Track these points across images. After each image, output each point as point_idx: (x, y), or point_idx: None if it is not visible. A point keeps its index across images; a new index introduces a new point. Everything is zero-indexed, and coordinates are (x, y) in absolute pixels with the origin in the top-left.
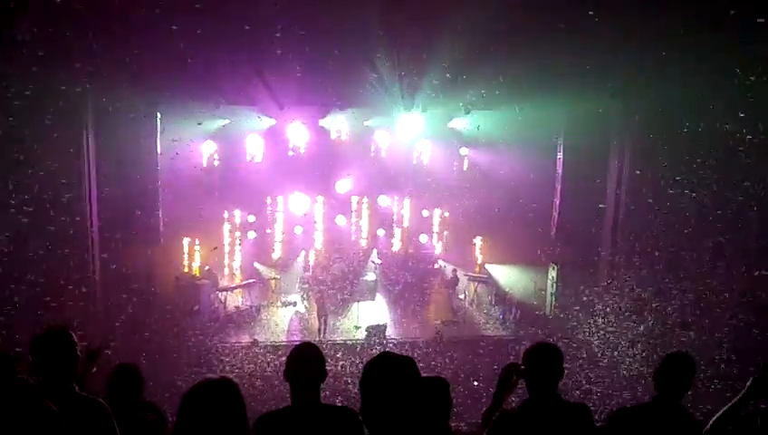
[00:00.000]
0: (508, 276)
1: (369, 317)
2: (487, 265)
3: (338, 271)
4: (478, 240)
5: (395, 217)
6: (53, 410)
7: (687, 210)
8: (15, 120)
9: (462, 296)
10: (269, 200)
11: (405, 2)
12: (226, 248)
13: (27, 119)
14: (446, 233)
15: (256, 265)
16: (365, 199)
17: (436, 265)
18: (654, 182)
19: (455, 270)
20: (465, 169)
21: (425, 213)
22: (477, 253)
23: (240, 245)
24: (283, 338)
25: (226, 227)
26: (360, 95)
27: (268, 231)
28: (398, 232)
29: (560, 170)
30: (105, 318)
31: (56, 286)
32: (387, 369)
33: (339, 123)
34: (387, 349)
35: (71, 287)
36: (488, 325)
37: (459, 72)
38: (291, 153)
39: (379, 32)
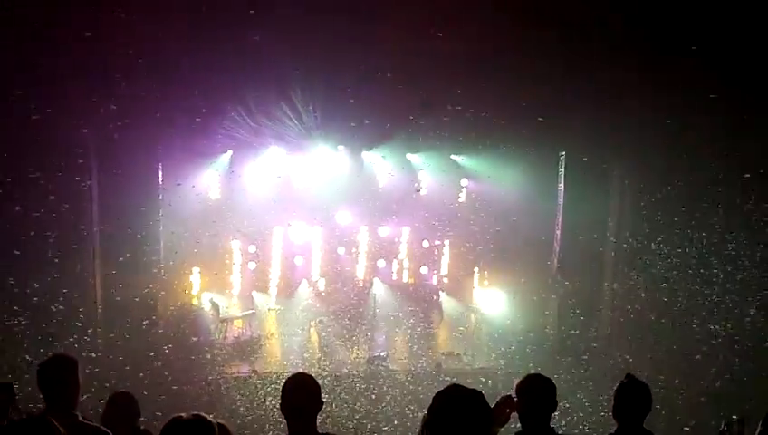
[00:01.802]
0: (506, 308)
1: (369, 348)
2: (483, 296)
3: (338, 301)
4: (477, 271)
5: (396, 248)
6: (60, 431)
7: (690, 247)
8: (19, 155)
9: (462, 329)
10: (270, 231)
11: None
12: (231, 278)
13: (30, 153)
14: (446, 264)
15: (255, 294)
16: (365, 230)
17: (435, 297)
18: (654, 214)
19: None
20: (464, 199)
21: (425, 244)
22: (476, 284)
23: (240, 275)
24: (282, 368)
25: (229, 257)
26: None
27: (269, 261)
28: (398, 263)
29: (560, 201)
30: (106, 348)
31: (57, 317)
32: (460, 403)
33: (337, 156)
34: (388, 380)
35: (71, 318)
36: (488, 358)
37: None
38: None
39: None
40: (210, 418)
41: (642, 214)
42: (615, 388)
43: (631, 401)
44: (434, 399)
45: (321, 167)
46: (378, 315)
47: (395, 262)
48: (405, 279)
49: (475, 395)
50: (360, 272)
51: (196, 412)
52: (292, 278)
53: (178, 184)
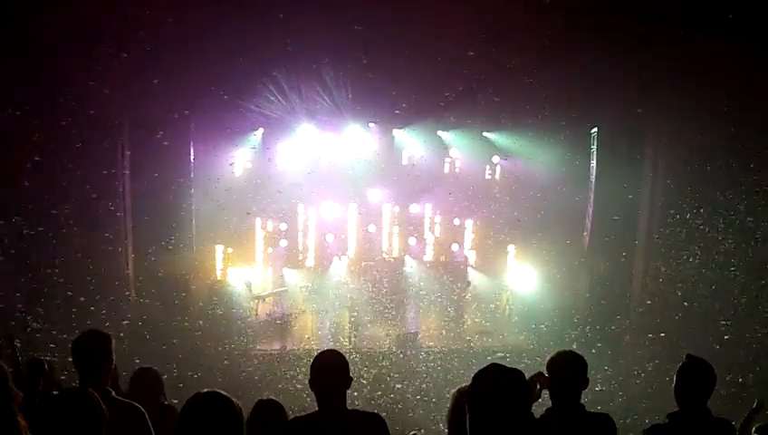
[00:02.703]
0: (539, 286)
1: (400, 325)
2: (515, 274)
3: (369, 279)
4: (511, 249)
5: (426, 226)
6: (101, 406)
7: (724, 225)
8: (53, 133)
9: (493, 306)
10: (301, 209)
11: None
12: (263, 255)
13: (64, 130)
14: (476, 242)
15: (286, 271)
16: (396, 208)
17: (467, 275)
18: (690, 195)
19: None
20: (497, 177)
21: (456, 222)
22: (508, 262)
23: (272, 252)
24: (313, 345)
25: (259, 235)
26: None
27: (300, 239)
28: (429, 240)
29: (593, 178)
30: (139, 324)
31: (91, 292)
32: (501, 382)
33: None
34: (419, 358)
35: (106, 293)
36: (520, 335)
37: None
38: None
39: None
40: (227, 394)
41: (675, 192)
42: (676, 369)
43: (693, 382)
44: (474, 378)
45: (352, 145)
46: (408, 293)
47: (426, 239)
48: (435, 256)
49: (516, 374)
50: (391, 249)
51: (214, 389)
52: (324, 256)
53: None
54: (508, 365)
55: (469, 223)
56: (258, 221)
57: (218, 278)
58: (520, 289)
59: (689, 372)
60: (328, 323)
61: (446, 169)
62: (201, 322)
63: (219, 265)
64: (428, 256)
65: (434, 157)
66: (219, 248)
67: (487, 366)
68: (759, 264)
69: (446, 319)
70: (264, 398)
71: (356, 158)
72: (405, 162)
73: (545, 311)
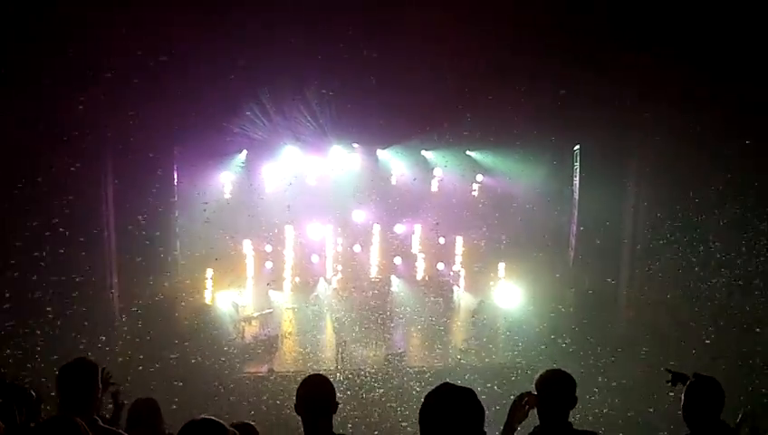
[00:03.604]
0: (526, 303)
1: (387, 346)
2: (502, 292)
3: (356, 299)
4: (500, 266)
5: (412, 245)
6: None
7: (706, 242)
8: (37, 157)
9: (480, 324)
10: (287, 230)
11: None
12: (248, 277)
13: (48, 155)
14: (462, 260)
15: (272, 293)
16: (380, 227)
17: (452, 293)
18: (673, 209)
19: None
20: (479, 195)
21: (441, 240)
22: (495, 280)
23: (257, 274)
24: (300, 367)
25: (248, 256)
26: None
27: (285, 260)
28: (418, 259)
29: (576, 195)
30: (123, 349)
31: (74, 317)
32: (450, 401)
33: (350, 155)
34: (406, 377)
35: (89, 319)
36: (508, 353)
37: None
38: (305, 181)
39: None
40: (221, 421)
41: (658, 205)
42: (684, 389)
43: (703, 401)
44: (426, 397)
45: (336, 166)
46: (395, 312)
47: (411, 259)
48: (421, 275)
49: (467, 393)
50: (377, 269)
51: (207, 415)
52: (309, 277)
53: (194, 185)
54: (495, 382)
55: (456, 241)
56: (247, 243)
57: (207, 302)
58: (506, 306)
59: (698, 392)
60: (315, 345)
61: (432, 188)
62: (188, 344)
63: (208, 288)
64: (415, 275)
65: (418, 176)
66: (209, 272)
67: (439, 386)
68: (745, 277)
69: (433, 338)
70: (240, 422)
71: (340, 179)
72: (389, 182)
73: (532, 327)
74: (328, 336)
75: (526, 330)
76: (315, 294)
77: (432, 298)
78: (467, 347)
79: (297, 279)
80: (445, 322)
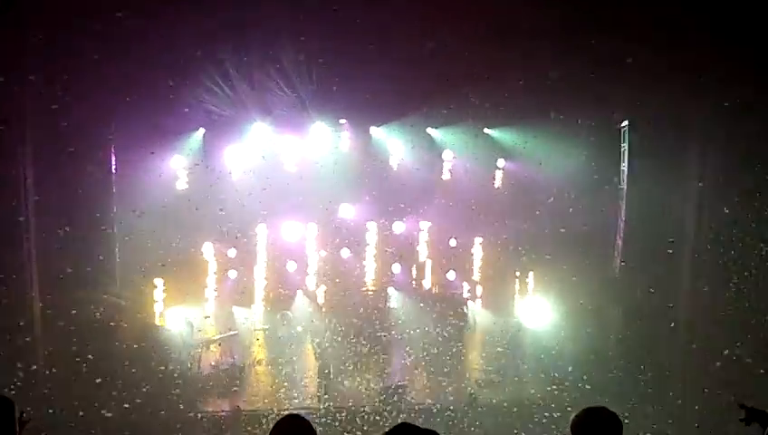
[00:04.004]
0: (558, 323)
1: (384, 376)
2: (526, 306)
3: (344, 317)
4: (528, 277)
5: (415, 249)
6: None
7: None
8: None
9: (501, 349)
10: (256, 230)
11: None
12: (207, 291)
13: None
14: (479, 267)
15: (237, 310)
16: (375, 226)
17: (465, 308)
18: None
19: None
20: (502, 185)
21: (452, 243)
22: (517, 291)
23: (218, 287)
24: (272, 405)
25: (205, 264)
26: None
27: (254, 268)
28: (418, 267)
29: (624, 185)
30: (46, 383)
31: None
32: None
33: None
34: (408, 416)
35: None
36: (534, 384)
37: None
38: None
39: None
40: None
41: (727, 198)
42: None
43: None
44: None
45: (318, 147)
46: (394, 334)
47: (414, 266)
48: (427, 287)
49: None
50: (371, 279)
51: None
52: (284, 289)
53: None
54: (519, 424)
55: (472, 244)
56: (207, 247)
57: (154, 322)
58: (534, 326)
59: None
60: (291, 376)
61: (442, 176)
62: (130, 376)
63: (157, 303)
64: (418, 286)
65: (424, 161)
66: (158, 283)
67: (397, 426)
68: None
69: (443, 367)
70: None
71: (324, 164)
72: (385, 168)
73: (568, 354)
74: (308, 365)
75: (559, 357)
76: (292, 311)
77: (441, 316)
78: (485, 379)
79: (269, 292)
80: (457, 346)
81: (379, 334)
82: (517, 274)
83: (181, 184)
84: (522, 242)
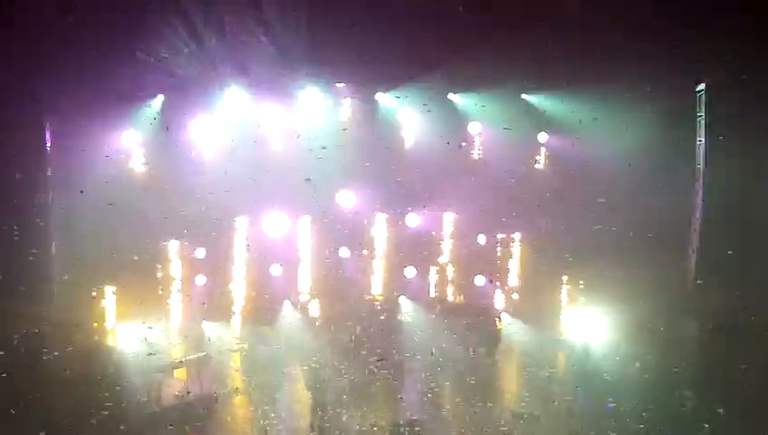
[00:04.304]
0: (617, 341)
1: (395, 409)
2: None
3: (342, 333)
4: (570, 284)
5: (434, 248)
6: None
7: None
8: None
9: (546, 373)
10: (231, 224)
11: None
12: (169, 300)
13: None
14: (517, 272)
15: (207, 326)
16: (383, 219)
17: (498, 324)
18: None
19: None
20: (546, 165)
21: (481, 239)
22: (564, 306)
23: (183, 296)
24: None
25: (168, 267)
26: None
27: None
28: (438, 270)
29: (700, 163)
30: None
31: None
32: None
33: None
34: None
35: None
36: (585, 420)
37: None
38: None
39: None
40: None
41: None
42: None
43: None
44: None
45: (310, 118)
46: (407, 356)
47: (433, 270)
48: (450, 296)
49: None
50: (378, 286)
51: None
52: (267, 298)
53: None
54: None
55: (508, 242)
56: (171, 246)
57: (102, 340)
58: (586, 345)
59: None
60: (277, 409)
61: (467, 154)
62: (71, 410)
63: (106, 318)
64: (438, 295)
65: (444, 135)
66: (107, 292)
67: None
68: None
69: (469, 396)
70: None
71: (317, 140)
72: (396, 145)
73: (630, 380)
74: (299, 394)
75: (619, 383)
76: (276, 325)
77: (467, 333)
78: (524, 412)
79: (247, 303)
80: (488, 371)
81: (387, 356)
82: (565, 279)
83: (136, 165)
84: (571, 240)
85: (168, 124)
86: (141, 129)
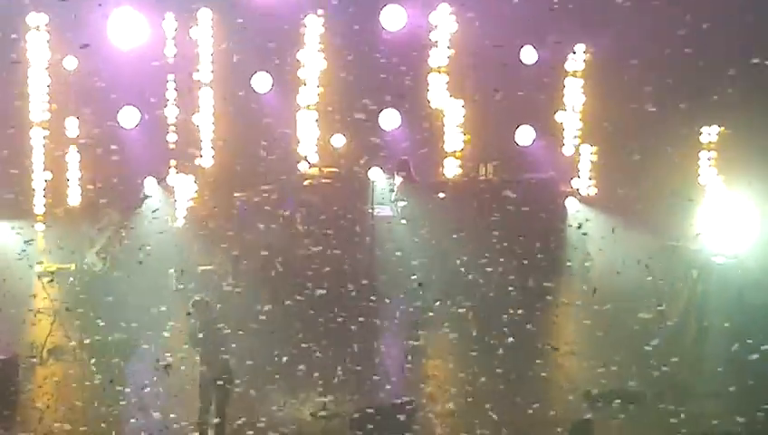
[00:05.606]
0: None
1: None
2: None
3: (263, 238)
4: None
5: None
6: None
7: None
8: None
9: (645, 317)
10: None
11: None
12: None
13: None
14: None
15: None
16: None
17: (566, 218)
18: None
19: None
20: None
21: (514, 54)
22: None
23: None
24: None
25: None
26: None
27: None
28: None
29: None
30: None
31: None
32: None
33: None
34: None
35: None
36: (715, 404)
37: None
38: None
39: None
40: None
41: None
42: None
43: None
44: None
45: None
46: (383, 277)
47: (425, 114)
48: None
49: None
50: (315, 153)
51: None
52: (108, 183)
53: None
54: None
55: (558, 59)
56: None
57: None
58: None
59: None
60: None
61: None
62: None
63: None
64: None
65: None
66: None
67: None
68: None
69: (503, 366)
70: None
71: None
72: None
73: None
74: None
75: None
76: (128, 235)
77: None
78: (611, 390)
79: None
80: (536, 311)
81: (352, 288)
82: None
83: None
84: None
85: None
86: None
